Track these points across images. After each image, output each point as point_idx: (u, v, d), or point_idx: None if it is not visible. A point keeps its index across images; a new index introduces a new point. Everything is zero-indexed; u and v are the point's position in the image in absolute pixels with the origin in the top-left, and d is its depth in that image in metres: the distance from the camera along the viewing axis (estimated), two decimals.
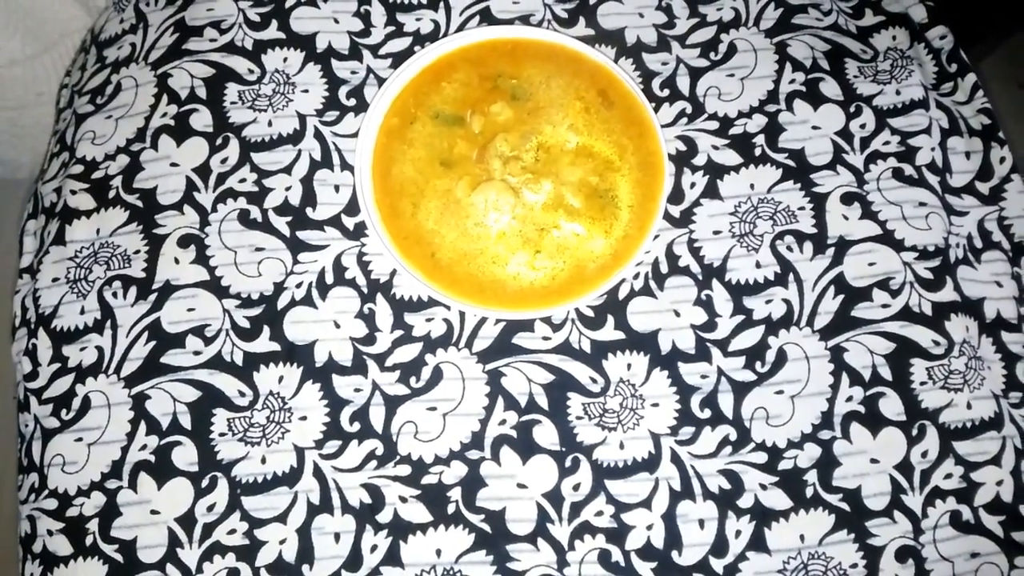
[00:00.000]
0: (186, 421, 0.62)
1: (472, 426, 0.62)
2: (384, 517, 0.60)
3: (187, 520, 0.60)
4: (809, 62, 0.70)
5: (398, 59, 0.70)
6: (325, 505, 0.60)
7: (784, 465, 0.61)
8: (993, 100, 0.72)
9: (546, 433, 0.61)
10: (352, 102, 0.70)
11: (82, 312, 0.65)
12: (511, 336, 0.63)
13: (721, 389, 0.62)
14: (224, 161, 0.68)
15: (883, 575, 0.59)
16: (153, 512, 0.60)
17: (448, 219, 0.63)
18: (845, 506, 0.60)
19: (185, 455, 0.61)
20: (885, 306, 0.64)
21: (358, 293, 0.64)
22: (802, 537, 0.59)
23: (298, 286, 0.65)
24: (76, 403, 0.63)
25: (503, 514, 0.60)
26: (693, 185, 0.67)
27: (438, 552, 0.59)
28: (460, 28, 0.71)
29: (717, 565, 0.59)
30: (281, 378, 0.63)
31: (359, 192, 0.63)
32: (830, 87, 0.70)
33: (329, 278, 0.65)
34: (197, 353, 0.63)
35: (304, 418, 0.62)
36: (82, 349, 0.64)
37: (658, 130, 0.64)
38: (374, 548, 0.59)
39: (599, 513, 0.60)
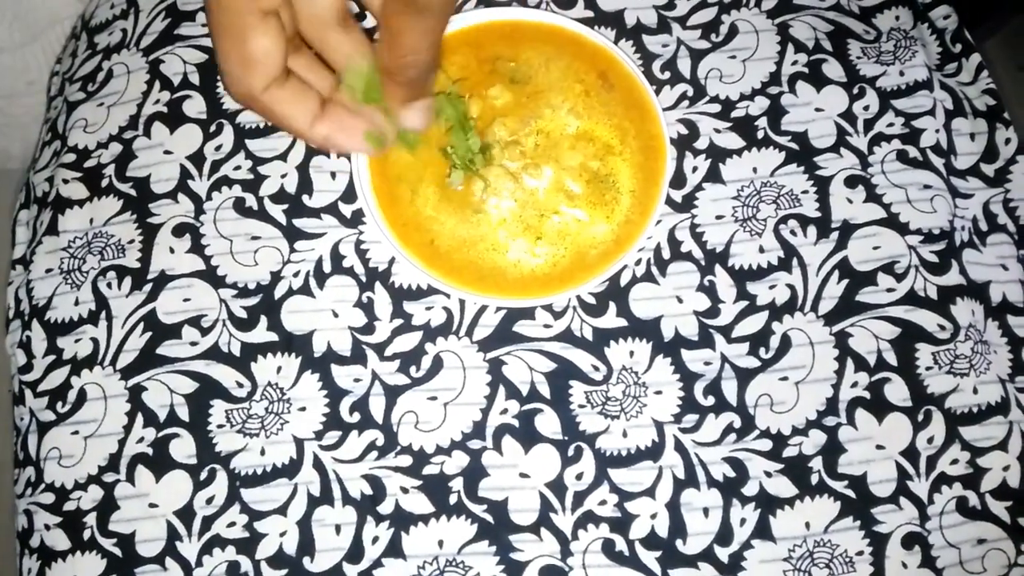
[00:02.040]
0: (184, 413, 0.61)
1: (473, 415, 0.61)
2: (385, 508, 0.59)
3: (186, 513, 0.59)
4: (811, 43, 0.69)
5: None
6: (326, 497, 0.60)
7: (789, 452, 0.60)
8: (997, 81, 0.71)
9: (548, 422, 0.61)
10: None
11: (76, 303, 0.64)
12: (512, 324, 0.63)
13: (725, 376, 0.61)
14: (218, 148, 0.67)
15: (889, 562, 0.58)
16: (151, 505, 0.60)
17: (447, 205, 0.62)
18: (851, 493, 0.59)
19: (183, 447, 0.61)
20: (890, 290, 0.63)
21: (356, 282, 0.64)
22: (807, 524, 0.59)
23: (295, 275, 0.64)
24: (72, 396, 0.62)
25: (505, 504, 0.59)
26: (695, 169, 0.66)
27: (440, 543, 0.59)
28: (458, 10, 0.70)
29: (722, 553, 0.58)
30: (279, 368, 0.62)
31: (356, 179, 0.62)
32: (833, 68, 0.69)
33: (327, 267, 0.64)
34: (194, 344, 0.62)
35: (303, 409, 0.61)
36: (77, 341, 0.63)
37: (659, 113, 0.63)
38: (375, 540, 0.59)
39: (602, 502, 0.59)
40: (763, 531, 0.59)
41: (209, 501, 0.60)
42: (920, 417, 0.60)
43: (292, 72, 0.43)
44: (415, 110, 0.45)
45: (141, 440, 0.61)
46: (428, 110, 0.45)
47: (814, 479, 0.59)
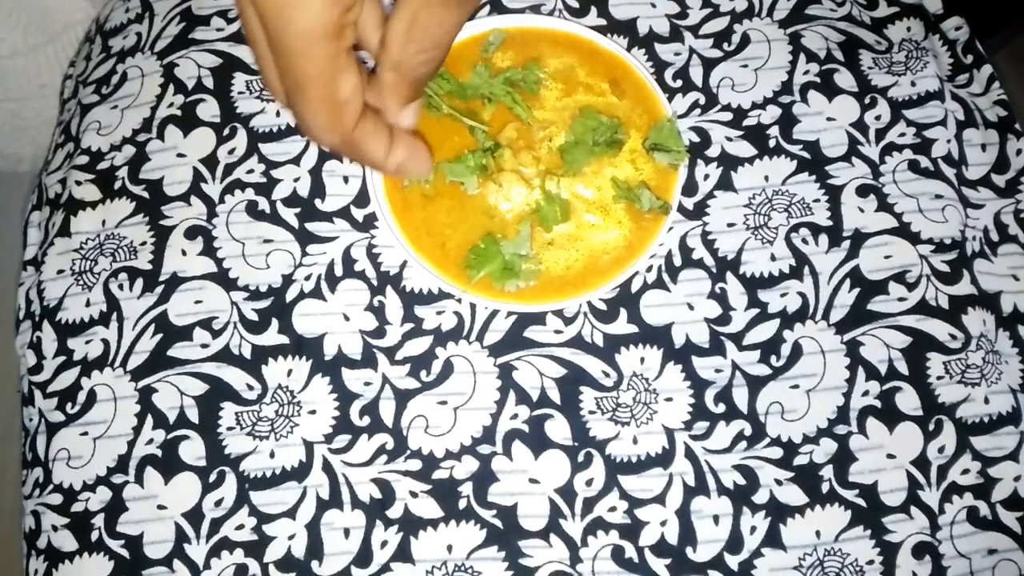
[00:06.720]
0: (193, 415, 0.61)
1: (483, 420, 0.61)
2: (394, 512, 0.59)
3: (194, 515, 0.59)
4: (823, 53, 0.70)
5: None
6: (335, 500, 0.59)
7: (800, 460, 0.60)
8: (1009, 92, 0.71)
9: (558, 428, 0.61)
10: None
11: (88, 304, 0.64)
12: (522, 329, 0.63)
13: (736, 383, 0.61)
14: (232, 152, 0.67)
15: (900, 572, 0.58)
16: (160, 507, 0.60)
17: (459, 210, 0.63)
18: (861, 502, 0.59)
19: (192, 449, 0.60)
20: (901, 299, 0.63)
21: (368, 285, 0.64)
22: (818, 533, 0.59)
23: (307, 278, 0.64)
24: (81, 397, 0.62)
25: (515, 510, 0.59)
26: (707, 177, 0.66)
27: (449, 548, 0.59)
28: (471, 17, 0.70)
29: (732, 562, 0.58)
30: (290, 371, 0.62)
31: (369, 183, 0.62)
32: (845, 78, 0.69)
33: (338, 270, 0.64)
34: (204, 346, 0.62)
35: (313, 412, 0.61)
36: (88, 342, 0.63)
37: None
38: (384, 544, 0.59)
39: (612, 509, 0.59)
40: (773, 539, 0.58)
41: (218, 503, 0.59)
42: (931, 426, 0.60)
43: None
44: (411, 110, 0.44)
45: (150, 442, 0.61)
46: (420, 109, 0.45)
47: (825, 488, 0.59)
